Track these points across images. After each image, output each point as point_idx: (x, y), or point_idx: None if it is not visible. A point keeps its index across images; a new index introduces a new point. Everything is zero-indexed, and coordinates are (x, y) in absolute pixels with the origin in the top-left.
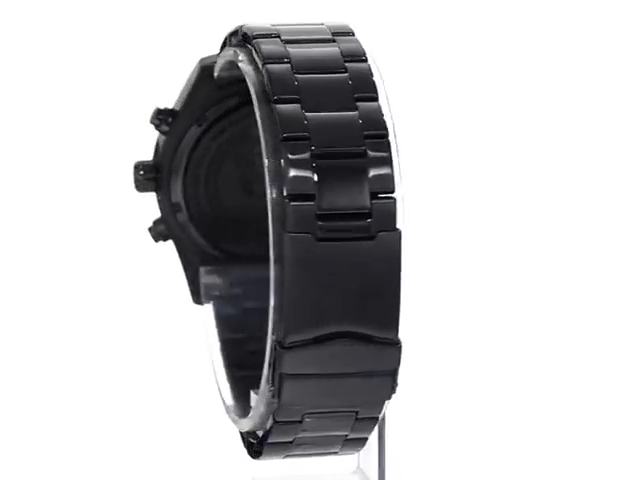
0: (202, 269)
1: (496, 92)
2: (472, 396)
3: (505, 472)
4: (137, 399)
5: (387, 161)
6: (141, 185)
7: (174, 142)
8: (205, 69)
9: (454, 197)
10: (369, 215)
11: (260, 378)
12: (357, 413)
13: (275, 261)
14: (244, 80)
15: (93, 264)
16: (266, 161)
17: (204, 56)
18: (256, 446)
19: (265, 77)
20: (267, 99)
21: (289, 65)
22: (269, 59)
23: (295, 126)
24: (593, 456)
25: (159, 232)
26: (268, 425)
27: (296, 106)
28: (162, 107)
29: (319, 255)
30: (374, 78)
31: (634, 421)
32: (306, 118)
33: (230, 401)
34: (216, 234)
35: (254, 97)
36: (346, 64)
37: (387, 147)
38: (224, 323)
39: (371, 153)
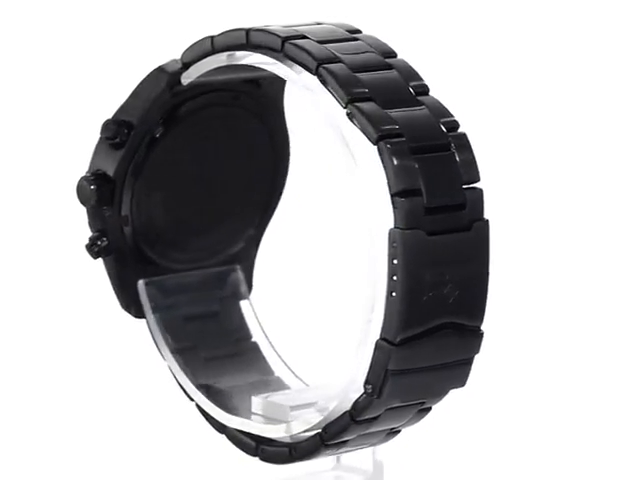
0: (141, 282)
1: (494, 91)
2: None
3: (493, 464)
4: (122, 409)
5: (471, 151)
6: (94, 199)
7: (130, 154)
8: (170, 77)
9: None
10: (464, 206)
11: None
12: (423, 404)
13: (375, 258)
14: (205, 84)
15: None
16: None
17: (164, 63)
18: (299, 449)
19: (328, 77)
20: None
21: (344, 65)
22: (323, 60)
23: (387, 123)
24: (594, 467)
25: (102, 247)
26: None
27: (373, 104)
28: (115, 119)
29: (430, 250)
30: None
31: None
32: (389, 115)
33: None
34: (156, 245)
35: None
36: (386, 60)
37: (466, 138)
38: (169, 333)
39: (455, 144)
